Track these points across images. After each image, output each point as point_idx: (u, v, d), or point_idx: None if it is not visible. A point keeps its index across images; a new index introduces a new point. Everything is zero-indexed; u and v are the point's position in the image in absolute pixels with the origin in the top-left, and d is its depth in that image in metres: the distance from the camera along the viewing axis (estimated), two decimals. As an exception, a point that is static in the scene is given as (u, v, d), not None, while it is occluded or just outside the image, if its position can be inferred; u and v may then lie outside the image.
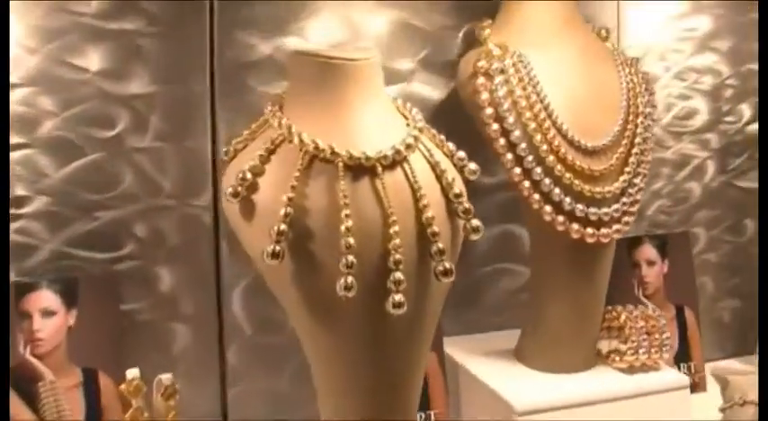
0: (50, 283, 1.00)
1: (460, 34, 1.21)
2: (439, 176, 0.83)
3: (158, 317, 1.11)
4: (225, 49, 1.10)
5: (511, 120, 0.98)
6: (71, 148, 1.04)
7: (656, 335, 1.06)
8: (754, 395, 1.07)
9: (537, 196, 0.99)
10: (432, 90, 1.21)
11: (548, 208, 0.99)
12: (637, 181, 1.04)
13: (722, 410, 1.11)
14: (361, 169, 0.78)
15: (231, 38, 1.10)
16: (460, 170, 0.86)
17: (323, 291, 0.76)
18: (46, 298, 0.99)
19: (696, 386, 1.25)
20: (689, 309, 1.31)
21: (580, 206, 0.99)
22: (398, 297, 0.75)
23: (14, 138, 1.01)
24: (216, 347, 1.14)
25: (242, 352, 1.15)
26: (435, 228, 0.78)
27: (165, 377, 0.96)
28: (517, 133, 0.98)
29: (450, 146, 0.87)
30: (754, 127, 1.44)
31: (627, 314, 1.07)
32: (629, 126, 1.03)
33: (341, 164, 0.78)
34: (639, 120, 1.04)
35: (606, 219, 1.01)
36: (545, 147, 0.98)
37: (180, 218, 1.11)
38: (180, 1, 1.07)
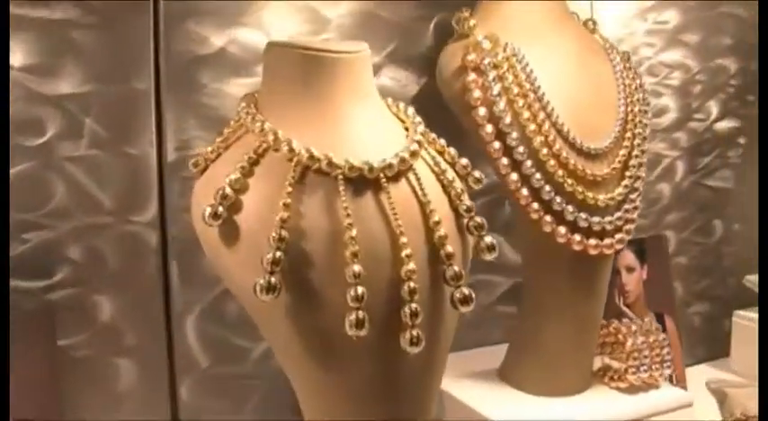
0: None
1: (431, 26, 1.11)
2: (446, 188, 0.72)
3: (99, 352, 0.96)
4: (172, 42, 0.96)
5: (507, 120, 0.88)
6: (-9, 159, 0.88)
7: (657, 351, 0.98)
8: (755, 410, 1.00)
9: (536, 205, 0.89)
10: (401, 86, 1.09)
11: (548, 218, 0.89)
12: (637, 185, 0.95)
13: (724, 425, 1.04)
14: (362, 182, 0.67)
15: (179, 29, 0.96)
16: (464, 179, 0.75)
17: (325, 327, 0.64)
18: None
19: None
20: (668, 317, 1.25)
21: (583, 215, 0.90)
22: (415, 332, 0.64)
23: None
24: (166, 383, 1.00)
25: (197, 386, 1.01)
26: (449, 249, 0.67)
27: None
28: (515, 135, 0.88)
29: (452, 151, 0.76)
30: (723, 124, 1.39)
31: (626, 329, 0.99)
32: (629, 126, 0.95)
33: (340, 176, 0.65)
34: (638, 119, 0.96)
35: (610, 228, 0.92)
36: (545, 150, 0.88)
37: (121, 237, 0.96)
38: (120, -14, 0.93)
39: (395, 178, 0.68)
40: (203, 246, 0.68)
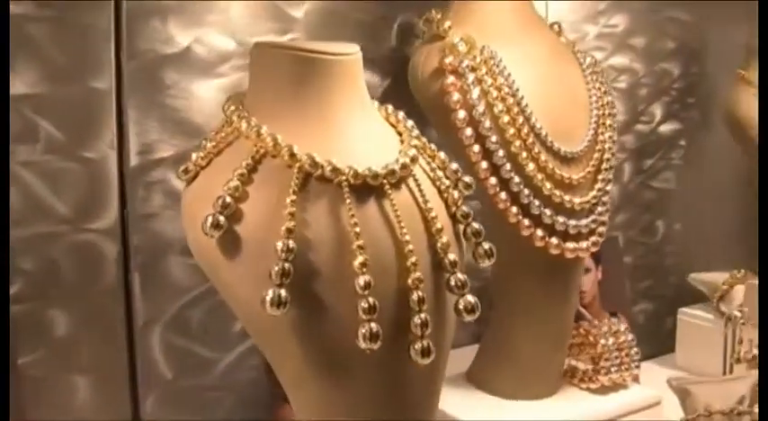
0: None
1: (395, 26, 1.09)
2: (442, 193, 0.70)
3: (55, 370, 0.91)
4: (135, 40, 0.91)
5: (487, 124, 0.87)
6: (-61, 164, 0.81)
7: (627, 351, 1.00)
8: (719, 404, 1.03)
9: (515, 209, 0.89)
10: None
11: (526, 221, 0.89)
12: (609, 188, 0.96)
13: (687, 422, 1.06)
14: (366, 189, 0.64)
15: (143, 26, 0.91)
16: (454, 184, 0.74)
17: (332, 340, 0.61)
18: None
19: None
20: (621, 316, 1.27)
21: (560, 218, 0.90)
22: (426, 343, 0.62)
23: None
24: (128, 399, 0.95)
25: (162, 401, 0.96)
26: (452, 257, 0.66)
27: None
28: (494, 139, 0.87)
29: (442, 156, 0.75)
30: (667, 127, 1.43)
31: (596, 331, 1.00)
32: (601, 130, 0.96)
33: (345, 183, 0.63)
34: (608, 122, 0.97)
35: (585, 231, 0.93)
36: (524, 154, 0.88)
37: (77, 246, 0.91)
38: (79, -21, 0.87)
39: (396, 185, 0.66)
40: (198, 258, 0.64)
